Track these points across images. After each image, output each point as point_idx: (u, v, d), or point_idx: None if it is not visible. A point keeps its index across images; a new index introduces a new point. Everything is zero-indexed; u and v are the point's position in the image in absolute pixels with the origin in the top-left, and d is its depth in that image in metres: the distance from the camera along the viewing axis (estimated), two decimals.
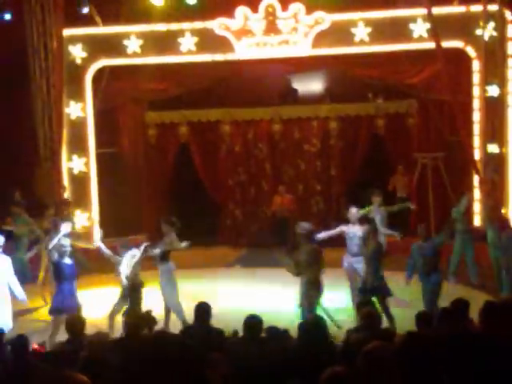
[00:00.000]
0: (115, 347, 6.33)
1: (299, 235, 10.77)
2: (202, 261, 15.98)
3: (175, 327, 10.33)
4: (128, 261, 10.61)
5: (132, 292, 10.52)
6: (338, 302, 11.97)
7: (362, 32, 16.05)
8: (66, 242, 10.75)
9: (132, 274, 10.53)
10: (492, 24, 15.44)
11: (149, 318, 7.49)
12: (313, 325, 6.65)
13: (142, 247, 10.83)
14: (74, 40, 16.91)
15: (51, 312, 10.66)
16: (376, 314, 7.33)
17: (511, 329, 5.27)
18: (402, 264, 11.75)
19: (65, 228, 11.07)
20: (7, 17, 16.86)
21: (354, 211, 12.21)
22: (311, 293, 10.42)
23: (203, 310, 7.75)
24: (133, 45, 16.75)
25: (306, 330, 6.62)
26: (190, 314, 8.61)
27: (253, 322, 7.07)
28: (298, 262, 10.48)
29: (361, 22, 16.04)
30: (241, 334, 7.27)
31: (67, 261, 10.65)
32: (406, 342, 5.40)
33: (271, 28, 16.34)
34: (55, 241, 10.79)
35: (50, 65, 16.85)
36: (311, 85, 18.98)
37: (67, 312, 9.84)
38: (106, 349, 6.11)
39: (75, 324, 7.30)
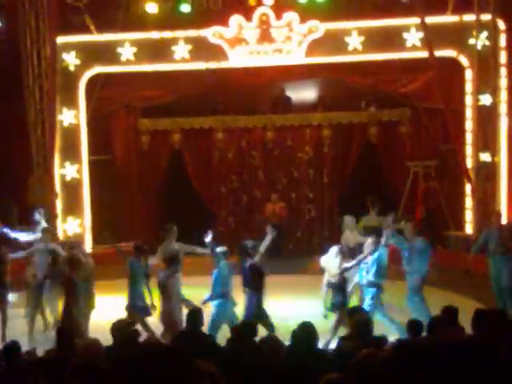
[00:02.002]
0: (107, 354, 6.31)
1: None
2: (193, 268, 15.95)
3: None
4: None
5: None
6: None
7: (355, 41, 16.12)
8: None
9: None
10: (485, 33, 15.54)
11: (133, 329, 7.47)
12: (304, 332, 6.64)
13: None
14: (67, 47, 16.92)
15: None
16: (367, 321, 7.32)
17: (501, 337, 5.29)
18: None
19: None
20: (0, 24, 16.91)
21: (350, 219, 12.24)
22: None
23: (195, 316, 7.76)
24: (127, 52, 16.78)
25: (298, 337, 6.63)
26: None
27: (245, 328, 7.09)
28: None
29: (354, 31, 16.13)
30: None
31: None
32: (396, 350, 5.43)
33: (265, 36, 16.39)
34: None
35: (43, 72, 16.88)
36: (304, 93, 19.02)
37: None
38: (98, 356, 6.09)
39: (65, 331, 7.29)
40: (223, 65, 16.65)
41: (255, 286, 10.48)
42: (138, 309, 10.54)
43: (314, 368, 5.79)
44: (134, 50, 16.77)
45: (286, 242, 18.10)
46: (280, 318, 11.23)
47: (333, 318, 10.24)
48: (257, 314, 10.23)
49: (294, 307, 12.09)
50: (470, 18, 15.60)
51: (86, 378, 5.02)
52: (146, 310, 10.64)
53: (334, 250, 10.55)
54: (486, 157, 15.82)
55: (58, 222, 16.77)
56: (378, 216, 13.56)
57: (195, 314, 7.81)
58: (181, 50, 16.65)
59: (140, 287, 10.69)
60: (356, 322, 7.24)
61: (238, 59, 16.52)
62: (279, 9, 16.48)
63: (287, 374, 6.10)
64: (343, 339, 7.28)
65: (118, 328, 7.13)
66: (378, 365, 5.02)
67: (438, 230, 16.49)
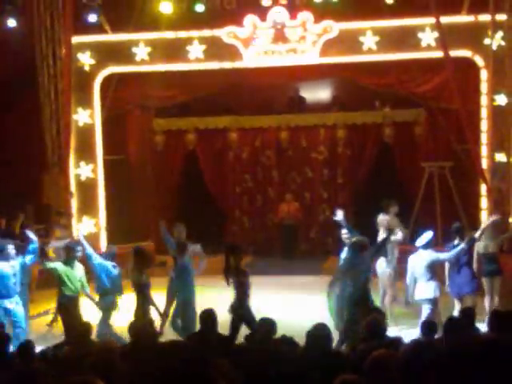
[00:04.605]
0: (124, 354, 6.32)
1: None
2: (207, 268, 15.96)
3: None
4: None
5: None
6: None
7: (370, 41, 16.07)
8: None
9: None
10: (500, 33, 15.44)
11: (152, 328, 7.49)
12: (320, 333, 6.63)
13: None
14: (82, 47, 16.98)
15: None
16: (381, 322, 7.30)
17: None
18: None
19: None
20: (14, 23, 16.96)
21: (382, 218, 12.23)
22: None
23: (209, 317, 7.75)
24: (141, 52, 16.81)
25: (312, 338, 6.61)
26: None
27: (266, 325, 7.13)
28: None
29: (369, 31, 16.07)
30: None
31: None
32: (412, 351, 5.40)
33: (279, 36, 16.38)
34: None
35: (58, 71, 16.93)
36: (319, 93, 19.01)
37: None
38: (115, 355, 6.09)
39: (81, 329, 7.31)
40: (237, 65, 16.65)
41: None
42: None
43: (329, 369, 5.77)
44: (149, 49, 16.80)
45: (299, 243, 18.11)
46: (294, 319, 11.22)
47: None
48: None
49: (308, 308, 12.06)
50: (485, 17, 15.49)
51: (102, 376, 5.01)
52: None
53: None
54: (501, 157, 15.74)
55: (73, 221, 16.82)
56: (395, 217, 13.52)
57: (208, 314, 7.80)
58: (195, 50, 16.65)
59: None
60: (369, 322, 7.22)
61: (252, 59, 16.52)
62: (294, 9, 16.46)
63: (301, 374, 6.09)
64: (358, 340, 7.27)
65: (136, 327, 7.14)
66: (393, 366, 5.00)
67: None
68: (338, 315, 10.00)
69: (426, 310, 10.28)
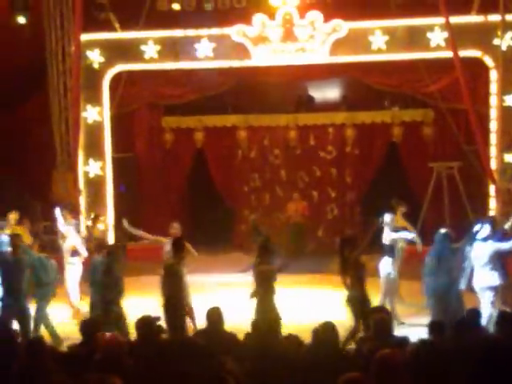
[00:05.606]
0: (132, 350, 6.33)
1: None
2: (215, 266, 16.01)
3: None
4: None
5: None
6: None
7: (379, 40, 16.06)
8: None
9: None
10: (510, 34, 15.41)
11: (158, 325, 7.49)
12: (326, 331, 6.63)
13: None
14: (91, 45, 17.01)
15: None
16: (387, 321, 7.30)
17: None
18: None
19: None
20: (24, 21, 17.01)
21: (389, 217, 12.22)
22: None
23: (216, 314, 7.76)
24: (150, 50, 16.83)
25: (319, 336, 6.62)
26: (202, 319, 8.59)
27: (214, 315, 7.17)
28: None
29: (378, 30, 16.06)
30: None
31: None
32: (418, 350, 5.40)
33: (288, 35, 16.38)
34: None
35: (67, 69, 16.96)
36: (328, 92, 19.01)
37: None
38: (122, 351, 6.10)
39: (89, 326, 7.33)
40: (246, 63, 16.66)
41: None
42: None
43: (334, 368, 5.78)
44: (158, 47, 16.82)
45: (307, 241, 18.09)
46: (302, 317, 11.23)
47: None
48: None
49: (315, 306, 12.06)
50: (494, 18, 15.46)
51: (109, 372, 5.03)
52: None
53: None
54: (510, 158, 15.71)
55: (81, 218, 16.85)
56: (403, 217, 13.49)
57: (214, 311, 7.80)
58: (204, 48, 16.66)
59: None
60: (375, 322, 7.22)
61: (261, 58, 16.52)
62: (303, 8, 16.45)
63: (307, 372, 6.10)
64: (363, 340, 7.27)
65: (143, 324, 7.14)
66: (400, 364, 5.00)
67: None
68: (435, 303, 10.32)
69: (488, 298, 10.41)
